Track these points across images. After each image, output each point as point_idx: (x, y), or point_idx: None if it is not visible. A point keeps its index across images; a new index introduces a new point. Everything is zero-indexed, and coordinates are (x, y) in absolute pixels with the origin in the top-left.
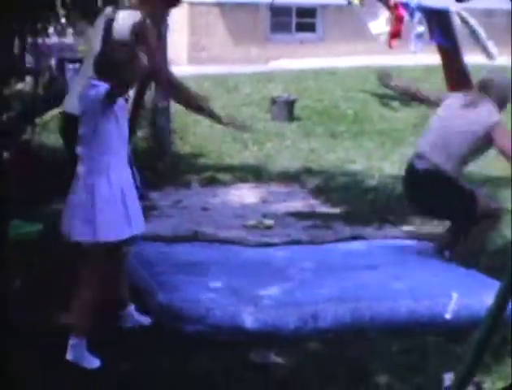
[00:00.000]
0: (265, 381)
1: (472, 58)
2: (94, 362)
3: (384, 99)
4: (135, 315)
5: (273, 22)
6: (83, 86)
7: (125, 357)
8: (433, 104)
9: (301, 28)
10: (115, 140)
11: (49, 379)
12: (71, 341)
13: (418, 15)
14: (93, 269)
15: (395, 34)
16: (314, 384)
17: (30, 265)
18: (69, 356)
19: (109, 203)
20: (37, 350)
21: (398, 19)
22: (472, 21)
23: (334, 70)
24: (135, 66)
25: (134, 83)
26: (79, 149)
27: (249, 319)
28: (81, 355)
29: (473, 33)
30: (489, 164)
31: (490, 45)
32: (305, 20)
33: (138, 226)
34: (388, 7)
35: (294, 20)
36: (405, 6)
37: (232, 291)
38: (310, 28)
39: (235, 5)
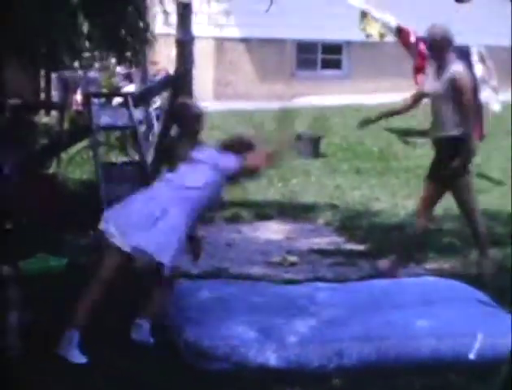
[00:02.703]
0: None
1: None
2: (80, 358)
3: (408, 136)
4: (145, 331)
5: (299, 58)
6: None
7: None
8: (417, 101)
9: (327, 64)
10: None
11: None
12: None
13: None
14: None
15: (419, 69)
16: None
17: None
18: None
19: None
20: None
21: (420, 55)
22: (489, 62)
23: (359, 107)
24: None
25: None
26: None
27: (273, 357)
28: (70, 350)
29: (487, 75)
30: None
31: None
32: (331, 57)
33: None
34: (408, 45)
35: (320, 57)
36: (425, 41)
37: (256, 328)
38: (336, 64)
39: (261, 41)
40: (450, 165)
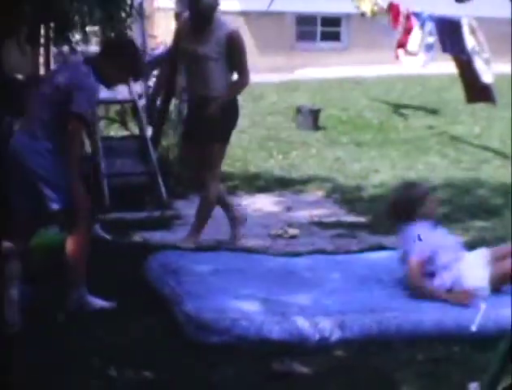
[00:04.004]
0: None
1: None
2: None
3: (407, 109)
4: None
5: (298, 31)
6: None
7: (148, 365)
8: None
9: (326, 36)
10: None
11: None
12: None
13: (429, 26)
14: None
15: (401, 45)
16: None
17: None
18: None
19: None
20: None
21: (407, 30)
22: (480, 34)
23: (359, 79)
24: None
25: None
26: None
27: (275, 329)
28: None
29: (478, 46)
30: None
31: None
32: (330, 29)
33: None
34: (397, 21)
35: (319, 29)
36: (417, 16)
37: (257, 301)
38: (335, 36)
39: (260, 14)
40: (216, 125)
